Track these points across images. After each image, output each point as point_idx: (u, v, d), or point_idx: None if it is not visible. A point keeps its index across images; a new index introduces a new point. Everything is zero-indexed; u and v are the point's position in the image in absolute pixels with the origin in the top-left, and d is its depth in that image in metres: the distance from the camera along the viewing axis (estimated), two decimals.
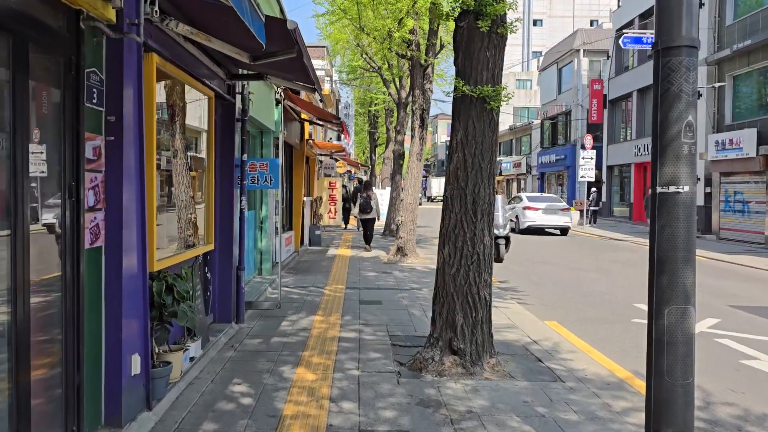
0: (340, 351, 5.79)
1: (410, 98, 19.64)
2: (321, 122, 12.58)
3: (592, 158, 24.41)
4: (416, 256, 13.08)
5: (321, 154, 16.64)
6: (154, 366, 4.21)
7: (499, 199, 11.82)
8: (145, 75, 3.91)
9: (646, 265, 3.20)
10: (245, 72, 6.40)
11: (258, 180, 7.25)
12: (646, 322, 3.18)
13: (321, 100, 21.40)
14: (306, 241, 15.35)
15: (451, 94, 5.43)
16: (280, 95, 10.03)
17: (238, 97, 6.70)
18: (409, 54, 12.73)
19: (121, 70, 3.56)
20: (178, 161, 5.10)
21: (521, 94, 56.38)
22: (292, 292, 9.05)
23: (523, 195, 22.24)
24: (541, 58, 45.20)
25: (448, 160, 5.62)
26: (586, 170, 24.33)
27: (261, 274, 10.08)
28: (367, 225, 14.98)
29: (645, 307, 3.63)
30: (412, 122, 12.97)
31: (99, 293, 3.56)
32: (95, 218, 3.49)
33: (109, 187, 3.57)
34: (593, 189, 26.01)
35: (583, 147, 25.31)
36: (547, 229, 21.73)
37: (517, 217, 20.87)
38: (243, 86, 6.71)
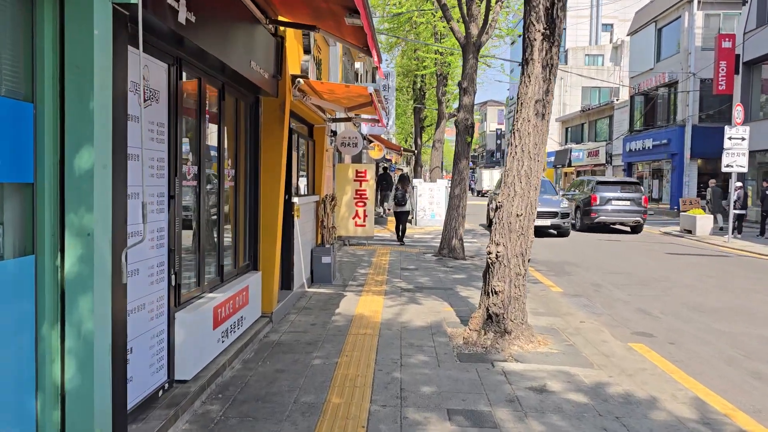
0: None
1: (487, 34, 12.34)
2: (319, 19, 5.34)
3: (744, 138, 16.51)
4: (530, 337, 5.79)
5: (334, 120, 9.44)
6: None
7: None
8: None
9: None
10: None
11: None
12: None
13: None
14: (303, 279, 8.23)
15: None
16: None
17: None
18: None
19: None
20: None
21: (590, 72, 47.96)
22: None
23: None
24: (627, 23, 37.08)
25: None
26: (736, 156, 16.46)
27: None
28: (401, 217, 14.73)
29: None
30: (529, 34, 5.66)
31: None
32: None
33: None
34: (738, 184, 17.98)
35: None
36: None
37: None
38: None
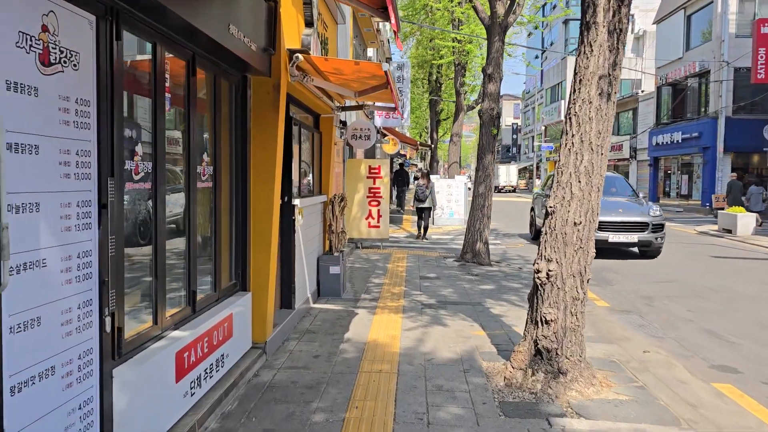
0: None
1: (514, 14, 11.04)
2: None
3: None
4: (591, 378, 4.53)
5: (343, 108, 8.21)
6: None
7: None
8: None
9: None
10: None
11: None
12: None
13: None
14: (308, 293, 7.04)
15: None
16: None
17: None
18: None
19: None
20: None
21: None
22: None
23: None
24: (652, 11, 35.41)
25: None
26: None
27: None
28: (423, 213, 14.55)
29: None
30: None
31: None
32: None
33: None
34: None
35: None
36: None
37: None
38: None
